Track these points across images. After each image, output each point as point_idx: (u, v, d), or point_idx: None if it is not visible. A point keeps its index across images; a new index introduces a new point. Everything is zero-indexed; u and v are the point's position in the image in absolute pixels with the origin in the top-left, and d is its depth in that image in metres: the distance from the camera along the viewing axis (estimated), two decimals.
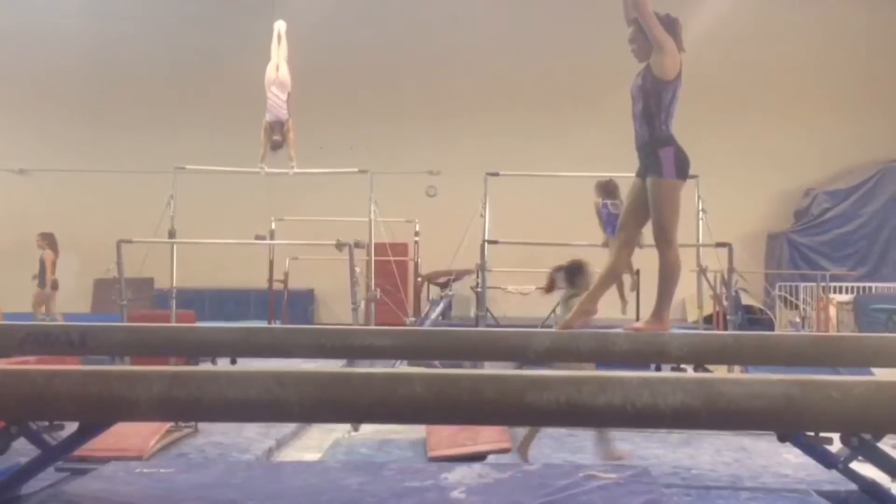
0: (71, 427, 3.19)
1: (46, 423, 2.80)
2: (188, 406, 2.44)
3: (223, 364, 6.36)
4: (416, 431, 5.50)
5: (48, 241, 10.90)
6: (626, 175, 8.65)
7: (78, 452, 3.74)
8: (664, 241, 3.79)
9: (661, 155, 3.73)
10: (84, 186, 14.81)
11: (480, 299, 8.35)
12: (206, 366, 5.90)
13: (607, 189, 7.61)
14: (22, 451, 3.13)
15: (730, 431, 5.00)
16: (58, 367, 2.49)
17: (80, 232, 13.92)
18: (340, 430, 5.87)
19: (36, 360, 4.79)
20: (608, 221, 7.63)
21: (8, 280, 12.12)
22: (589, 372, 2.47)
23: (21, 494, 3.47)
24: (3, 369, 2.50)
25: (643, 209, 3.89)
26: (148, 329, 3.86)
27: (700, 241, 8.69)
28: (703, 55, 14.77)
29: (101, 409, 2.41)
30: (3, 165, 15.04)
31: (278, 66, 9.05)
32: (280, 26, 9.20)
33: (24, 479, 3.41)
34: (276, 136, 8.89)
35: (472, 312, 10.85)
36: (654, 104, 3.77)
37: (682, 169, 3.75)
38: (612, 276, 3.94)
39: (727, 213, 11.44)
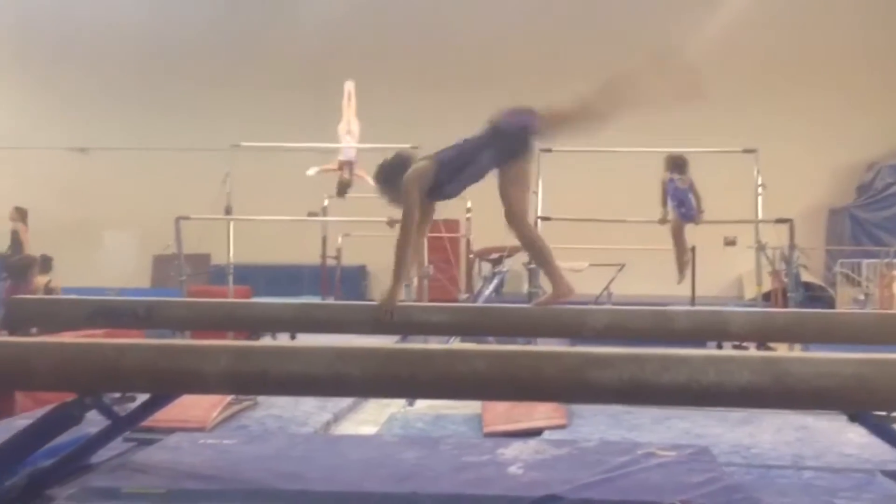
0: (139, 399, 3.28)
1: (117, 395, 2.88)
2: (253, 380, 2.48)
3: (282, 339, 6.48)
4: (470, 407, 5.51)
5: (21, 215, 11.22)
6: (684, 150, 8.56)
7: (144, 423, 3.85)
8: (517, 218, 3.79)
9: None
10: (143, 164, 15.10)
11: (533, 276, 8.33)
12: (266, 341, 6.02)
13: (676, 163, 7.48)
14: (91, 421, 3.22)
15: (792, 410, 4.90)
16: (129, 341, 2.56)
17: (140, 209, 14.23)
18: (396, 405, 5.92)
19: (103, 332, 4.93)
20: (672, 196, 7.51)
21: (70, 257, 12.41)
22: (654, 349, 2.44)
23: (91, 463, 3.59)
24: (78, 342, 2.58)
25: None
26: (209, 304, 3.93)
27: (759, 217, 8.52)
28: (764, 26, 14.44)
29: (170, 381, 2.47)
30: (65, 144, 15.39)
31: (350, 122, 9.53)
32: (349, 86, 9.64)
33: (93, 448, 3.52)
34: (346, 175, 9.68)
35: (524, 289, 10.82)
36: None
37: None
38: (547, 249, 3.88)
39: (787, 188, 11.19)
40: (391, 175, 3.82)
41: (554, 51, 14.47)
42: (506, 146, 3.75)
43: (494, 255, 10.69)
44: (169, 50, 15.53)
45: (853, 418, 2.48)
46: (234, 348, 2.46)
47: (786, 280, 8.17)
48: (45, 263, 10.21)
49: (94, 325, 3.98)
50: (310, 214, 10.74)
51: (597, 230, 10.41)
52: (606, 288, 10.04)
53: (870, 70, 14.52)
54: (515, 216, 3.80)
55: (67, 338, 3.82)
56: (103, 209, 14.96)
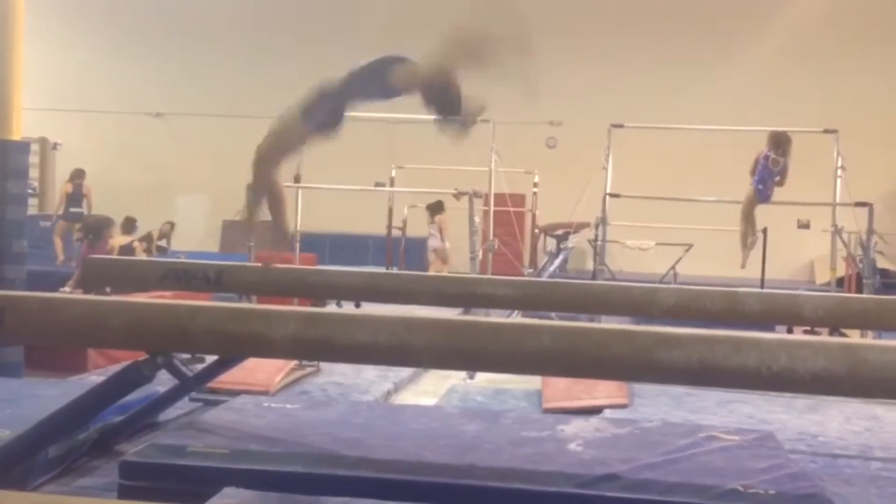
0: (207, 360, 3.35)
1: (186, 357, 2.94)
2: (319, 346, 2.50)
3: (348, 307, 6.56)
4: (531, 382, 5.51)
5: (79, 175, 11.52)
6: (747, 129, 8.31)
7: (210, 385, 3.95)
8: None
9: None
10: (215, 130, 15.37)
11: (599, 253, 8.25)
12: (332, 308, 6.10)
13: (776, 141, 7.24)
14: (159, 380, 3.31)
15: (865, 399, 4.77)
16: (200, 303, 2.61)
17: (212, 175, 14.51)
18: (456, 378, 5.95)
19: (172, 294, 5.05)
20: (760, 173, 7.29)
21: (146, 219, 12.75)
22: (724, 331, 2.39)
23: (159, 421, 3.69)
24: (150, 303, 2.64)
25: None
26: (278, 270, 3.98)
27: (837, 200, 8.25)
28: (843, 4, 13.89)
29: (239, 344, 2.51)
30: (141, 109, 15.75)
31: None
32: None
33: (162, 406, 3.63)
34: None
35: (589, 266, 10.72)
36: None
37: None
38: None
39: (868, 171, 10.80)
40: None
41: None
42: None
43: (560, 231, 10.60)
44: (245, 18, 15.71)
45: None
46: (302, 314, 2.49)
47: (861, 266, 7.91)
48: (129, 224, 10.54)
49: (166, 287, 4.08)
50: (377, 185, 10.81)
51: (666, 209, 10.22)
52: (672, 268, 9.89)
53: None
54: None
55: (140, 298, 3.92)
56: (177, 174, 15.31)
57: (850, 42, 14.02)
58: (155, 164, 15.41)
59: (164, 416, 3.73)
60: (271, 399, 4.15)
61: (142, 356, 2.58)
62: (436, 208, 11.25)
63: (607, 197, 7.95)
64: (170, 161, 15.40)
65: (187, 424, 3.48)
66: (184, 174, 15.27)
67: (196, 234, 12.12)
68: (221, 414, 3.56)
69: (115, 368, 2.92)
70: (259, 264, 4.14)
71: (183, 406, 3.92)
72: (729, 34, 14.22)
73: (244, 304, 2.77)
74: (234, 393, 4.17)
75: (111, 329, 2.49)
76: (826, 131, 8.38)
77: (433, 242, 11.43)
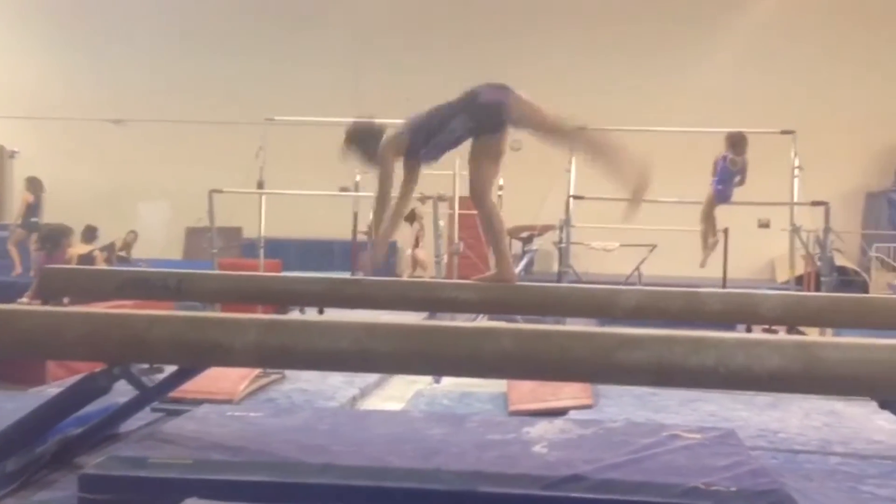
0: (167, 371, 3.31)
1: (145, 367, 2.91)
2: (281, 354, 2.49)
3: (311, 313, 6.53)
4: (496, 385, 5.51)
5: (34, 185, 11.32)
6: (706, 130, 8.41)
7: (172, 394, 3.90)
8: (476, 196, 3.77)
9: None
10: (177, 137, 15.21)
11: (563, 255, 8.30)
12: (295, 315, 6.06)
13: (733, 141, 7.33)
14: (120, 391, 3.26)
15: (822, 396, 4.85)
16: (158, 313, 2.58)
17: (173, 181, 14.37)
18: (422, 382, 5.94)
19: (132, 304, 4.99)
20: (719, 175, 7.38)
21: (108, 228, 12.59)
22: (683, 332, 2.42)
23: (119, 432, 3.64)
24: (108, 313, 2.61)
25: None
26: (240, 277, 3.96)
27: (795, 200, 8.40)
28: (802, 8, 14.15)
29: (199, 353, 2.49)
30: (100, 115, 15.55)
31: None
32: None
33: (122, 418, 3.58)
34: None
35: (554, 268, 10.78)
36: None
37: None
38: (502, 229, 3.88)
39: (824, 171, 11.00)
40: (362, 139, 3.92)
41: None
42: (479, 118, 3.73)
43: (525, 234, 10.66)
44: (205, 22, 15.58)
45: (884, 405, 2.44)
46: (263, 322, 2.48)
47: (819, 264, 8.05)
48: (89, 233, 10.38)
49: (125, 296, 4.03)
50: (342, 189, 10.78)
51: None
52: (637, 268, 9.98)
53: None
54: (475, 190, 3.83)
55: (98, 308, 3.87)
56: (138, 181, 15.13)
57: (805, 45, 14.27)
58: (115, 171, 15.21)
59: (124, 428, 3.67)
60: (235, 407, 4.11)
61: (101, 367, 2.55)
62: (410, 217, 11.23)
63: (571, 199, 8.01)
64: (130, 168, 15.22)
65: (148, 435, 3.44)
66: (145, 181, 15.10)
67: (159, 241, 11.99)
68: (183, 424, 3.52)
69: (74, 380, 2.88)
70: None
71: (144, 417, 3.87)
72: (688, 38, 14.41)
73: (203, 313, 2.74)
74: (197, 402, 4.12)
75: (68, 340, 2.46)
76: (783, 132, 8.53)
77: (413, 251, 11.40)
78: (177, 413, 3.86)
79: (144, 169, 15.18)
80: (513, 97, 3.72)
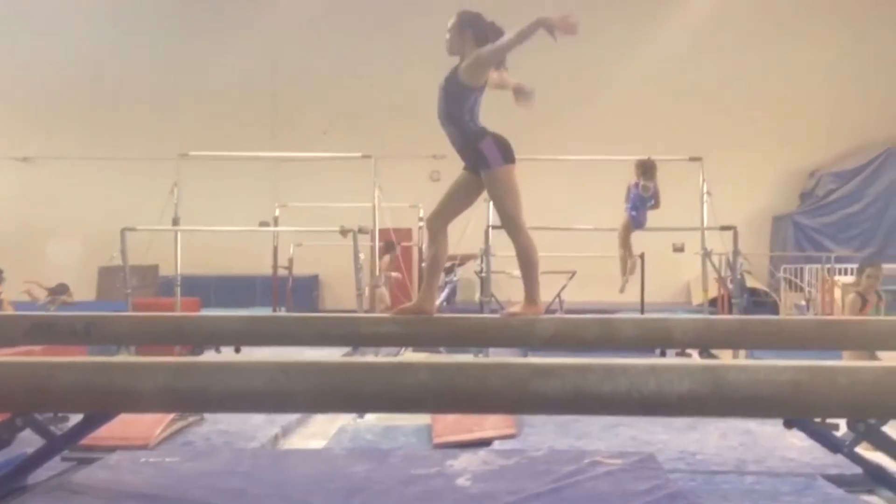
0: (76, 417, 3.19)
1: (51, 415, 2.80)
2: (192, 397, 2.43)
3: (227, 352, 6.40)
4: (421, 418, 5.49)
5: None
6: (619, 158, 8.64)
7: (83, 442, 3.75)
8: (513, 227, 3.74)
9: (482, 149, 3.65)
10: (88, 174, 14.81)
11: (485, 284, 8.35)
12: (209, 355, 5.92)
13: (643, 168, 7.49)
14: (28, 440, 3.13)
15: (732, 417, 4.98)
16: (62, 359, 2.49)
17: (85, 219, 13.96)
18: (345, 417, 5.87)
19: (42, 349, 4.80)
20: (632, 200, 7.53)
21: (12, 268, 12.12)
22: (597, 359, 2.46)
23: (28, 484, 3.48)
24: (8, 361, 2.50)
25: (464, 198, 3.84)
26: (152, 319, 3.85)
27: (705, 224, 8.66)
28: (709, 37, 14.73)
29: (106, 400, 2.41)
30: (8, 154, 15.04)
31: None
32: None
33: (30, 468, 3.42)
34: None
35: (477, 297, 10.83)
36: (455, 107, 3.70)
37: (506, 154, 3.67)
38: (438, 265, 3.86)
39: (732, 196, 11.41)
40: (473, 25, 3.75)
41: None
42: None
43: (446, 264, 10.67)
44: (115, 58, 15.27)
45: (789, 425, 2.52)
46: (172, 364, 2.42)
47: (731, 286, 8.29)
48: None
49: (34, 341, 3.88)
50: (261, 224, 10.64)
51: (549, 237, 10.46)
52: (558, 295, 10.11)
53: (809, 82, 14.92)
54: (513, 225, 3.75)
55: (2, 355, 3.71)
56: (47, 220, 14.65)
57: (711, 73, 14.84)
58: (23, 211, 14.70)
59: (33, 479, 3.52)
60: (149, 453, 3.99)
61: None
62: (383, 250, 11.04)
63: (490, 228, 8.07)
64: (39, 207, 14.73)
65: (58, 486, 3.31)
66: (55, 219, 14.63)
67: (70, 281, 11.55)
68: (95, 473, 3.40)
69: None
70: None
71: (54, 466, 3.72)
72: (598, 66, 14.80)
73: (109, 358, 2.65)
74: (110, 449, 3.98)
75: None
76: (691, 159, 8.80)
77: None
78: (88, 461, 3.73)
79: (54, 207, 14.72)
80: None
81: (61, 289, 10.62)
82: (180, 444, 4.75)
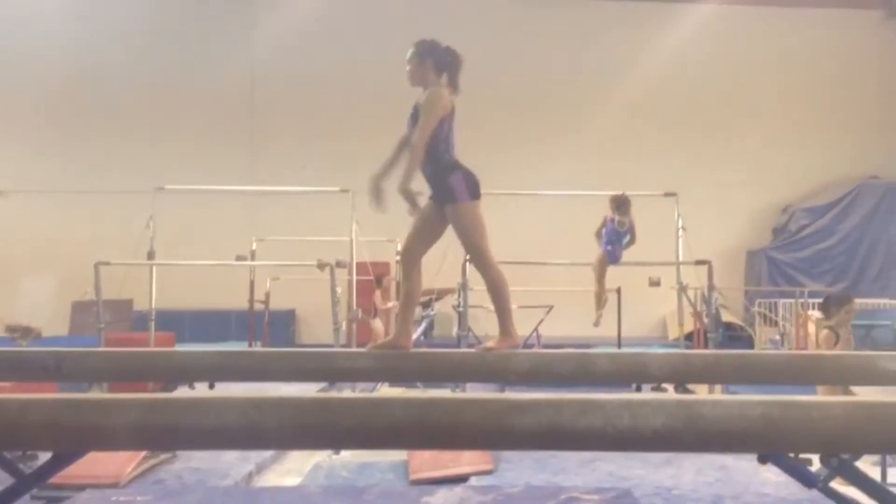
0: (45, 454, 3.13)
1: (20, 453, 2.75)
2: (164, 434, 2.39)
3: (201, 388, 6.32)
4: (397, 454, 5.45)
5: None
6: (595, 193, 8.73)
7: (53, 480, 3.68)
8: (481, 261, 3.76)
9: (451, 182, 3.68)
10: (61, 208, 14.69)
11: (462, 319, 8.34)
12: (183, 391, 5.86)
13: (617, 203, 7.56)
14: None
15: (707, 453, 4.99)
16: (30, 396, 2.45)
17: (58, 254, 13.81)
18: (321, 454, 5.81)
19: (11, 386, 4.72)
20: (607, 235, 7.58)
21: None
22: (572, 394, 2.46)
23: None
24: None
25: (431, 232, 3.87)
26: (124, 354, 3.80)
27: (680, 259, 8.73)
28: (682, 75, 14.99)
29: (76, 437, 2.37)
30: None
31: None
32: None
33: None
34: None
35: (454, 331, 10.81)
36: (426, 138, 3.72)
37: (473, 190, 3.71)
38: (412, 300, 3.87)
39: (707, 231, 11.54)
40: (432, 54, 3.79)
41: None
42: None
43: (423, 298, 10.65)
44: (89, 91, 15.22)
45: (763, 460, 2.52)
46: (143, 402, 2.38)
47: (706, 321, 8.34)
48: None
49: (2, 377, 3.81)
50: (238, 258, 10.58)
51: (526, 272, 10.50)
52: (535, 329, 10.11)
53: (783, 117, 15.19)
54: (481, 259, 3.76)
55: None
56: (19, 254, 14.47)
57: (687, 113, 15.07)
58: None
59: None
60: (120, 492, 3.93)
61: None
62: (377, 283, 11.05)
63: (467, 262, 8.08)
64: (11, 241, 14.56)
65: None
66: (27, 254, 14.46)
67: (43, 317, 11.39)
68: None
69: None
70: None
71: None
72: (574, 103, 14.98)
73: (79, 395, 2.61)
74: (80, 487, 3.92)
75: None
76: (666, 194, 8.90)
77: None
78: (57, 500, 3.66)
79: (27, 242, 14.55)
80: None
81: (25, 331, 10.44)
82: (151, 483, 4.68)
